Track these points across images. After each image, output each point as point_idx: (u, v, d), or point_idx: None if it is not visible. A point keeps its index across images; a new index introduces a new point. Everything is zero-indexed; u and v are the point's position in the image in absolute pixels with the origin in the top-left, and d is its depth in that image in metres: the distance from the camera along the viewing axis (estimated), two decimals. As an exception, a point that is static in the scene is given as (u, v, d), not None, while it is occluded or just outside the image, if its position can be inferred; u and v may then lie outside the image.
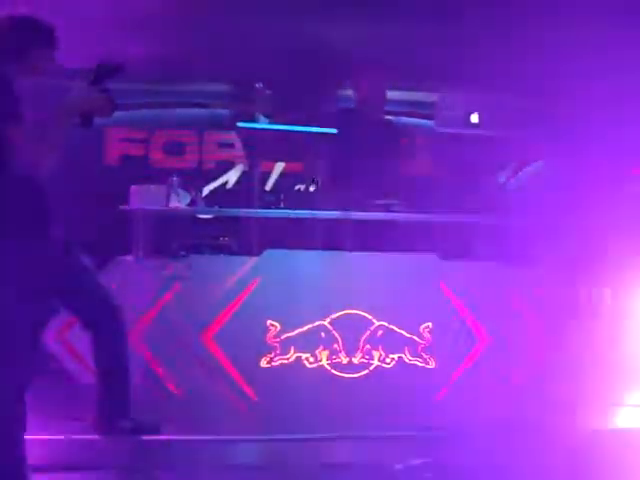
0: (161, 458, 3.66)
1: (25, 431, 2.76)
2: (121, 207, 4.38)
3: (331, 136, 4.97)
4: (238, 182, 7.48)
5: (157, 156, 7.49)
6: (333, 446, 3.89)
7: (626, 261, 4.49)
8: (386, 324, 4.36)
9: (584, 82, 5.34)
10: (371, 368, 4.35)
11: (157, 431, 3.58)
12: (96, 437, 3.51)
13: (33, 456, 2.82)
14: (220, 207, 5.01)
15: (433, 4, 5.00)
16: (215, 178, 7.50)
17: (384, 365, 4.36)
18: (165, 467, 3.61)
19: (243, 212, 4.87)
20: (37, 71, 2.96)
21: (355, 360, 4.34)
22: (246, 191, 5.27)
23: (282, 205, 4.89)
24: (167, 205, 4.42)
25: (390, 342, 4.36)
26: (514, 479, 3.56)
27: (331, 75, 6.25)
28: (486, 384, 4.32)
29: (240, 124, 5.09)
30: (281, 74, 5.92)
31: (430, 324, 4.39)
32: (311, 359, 4.30)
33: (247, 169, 5.73)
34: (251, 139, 5.21)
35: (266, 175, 7.32)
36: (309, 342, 4.29)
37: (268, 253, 4.32)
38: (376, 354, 4.35)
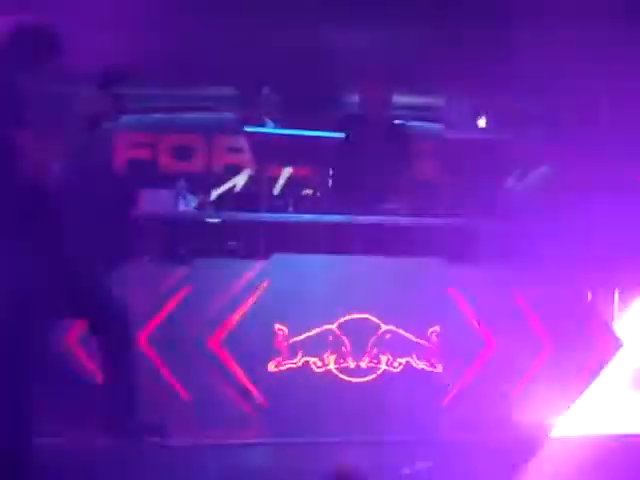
0: (168, 461, 3.66)
1: (32, 432, 2.77)
2: (130, 211, 4.40)
3: (338, 140, 4.98)
4: (246, 186, 7.49)
5: (165, 160, 7.51)
6: (341, 450, 3.88)
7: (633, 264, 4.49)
8: (394, 328, 4.35)
9: (590, 84, 5.33)
10: (379, 372, 4.35)
11: (164, 434, 3.58)
12: (103, 439, 3.51)
13: (39, 457, 2.82)
14: (228, 211, 5.02)
15: (442, 7, 5.01)
16: (223, 182, 7.49)
17: (392, 369, 4.36)
18: (172, 471, 3.61)
19: (251, 216, 4.88)
20: (43, 77, 2.98)
21: (363, 364, 4.34)
22: (254, 195, 5.27)
23: (290, 209, 4.90)
24: (175, 209, 4.43)
25: (398, 346, 4.36)
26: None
27: (339, 80, 6.26)
28: (493, 388, 4.32)
29: (248, 129, 5.11)
30: (289, 79, 5.93)
31: (438, 328, 4.39)
32: (319, 363, 4.30)
33: (255, 173, 5.74)
34: (259, 144, 5.23)
35: (274, 179, 7.33)
36: (317, 346, 4.29)
37: (276, 257, 4.33)
38: (383, 358, 4.35)
